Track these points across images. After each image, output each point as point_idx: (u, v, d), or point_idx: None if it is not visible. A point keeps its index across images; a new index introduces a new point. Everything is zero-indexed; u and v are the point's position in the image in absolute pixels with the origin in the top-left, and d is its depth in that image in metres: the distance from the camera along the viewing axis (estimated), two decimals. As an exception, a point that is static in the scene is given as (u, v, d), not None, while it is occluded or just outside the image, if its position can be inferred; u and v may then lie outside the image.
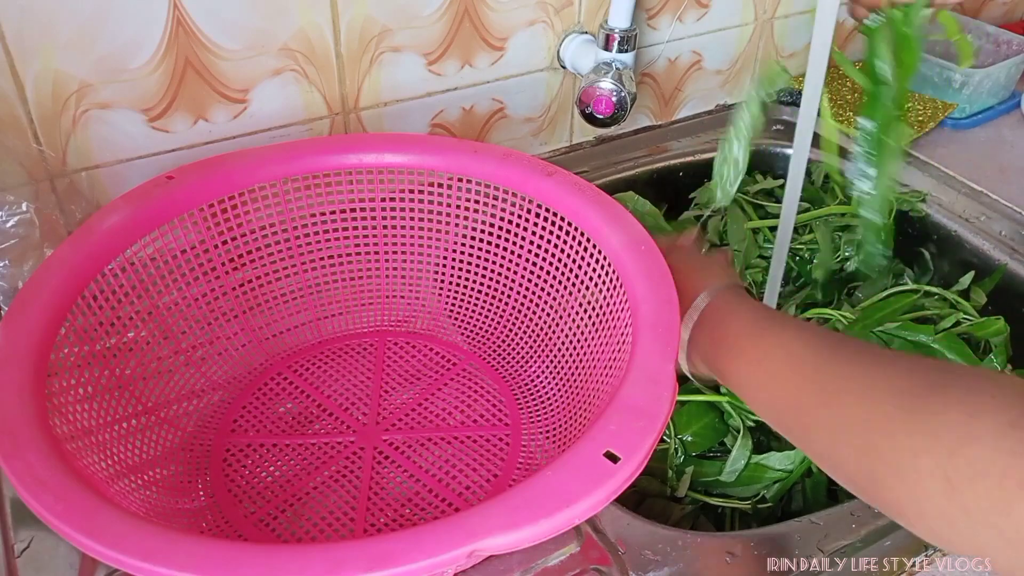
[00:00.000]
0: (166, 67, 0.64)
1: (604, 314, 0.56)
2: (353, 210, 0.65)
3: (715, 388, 0.64)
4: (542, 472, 0.39)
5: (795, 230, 0.76)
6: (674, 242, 0.60)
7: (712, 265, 0.55)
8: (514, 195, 0.62)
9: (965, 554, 0.34)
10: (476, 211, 0.64)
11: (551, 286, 0.63)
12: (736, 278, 0.54)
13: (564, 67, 0.82)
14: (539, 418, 0.60)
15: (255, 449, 0.57)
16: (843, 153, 0.69)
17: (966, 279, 0.76)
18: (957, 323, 0.69)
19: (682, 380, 0.63)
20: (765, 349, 0.44)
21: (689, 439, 0.60)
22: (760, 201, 0.80)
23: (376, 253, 0.67)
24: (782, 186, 0.80)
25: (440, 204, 0.65)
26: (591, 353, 0.57)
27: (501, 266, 0.65)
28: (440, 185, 0.64)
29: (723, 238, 0.77)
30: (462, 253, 0.66)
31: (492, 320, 0.67)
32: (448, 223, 0.66)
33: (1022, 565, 0.31)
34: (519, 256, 0.64)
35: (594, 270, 0.58)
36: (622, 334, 0.52)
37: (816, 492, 0.60)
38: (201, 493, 0.54)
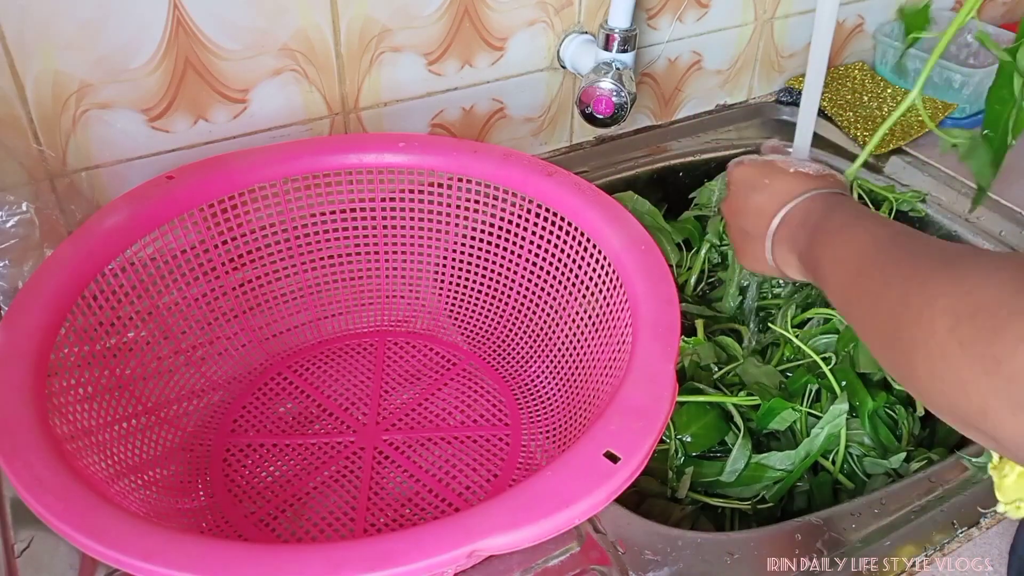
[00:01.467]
0: (166, 67, 0.64)
1: (604, 314, 0.56)
2: (353, 210, 0.65)
3: (715, 387, 0.64)
4: (542, 472, 0.39)
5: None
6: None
7: (821, 177, 0.55)
8: (514, 195, 0.62)
9: (952, 400, 0.35)
10: (476, 211, 0.64)
11: (551, 286, 0.63)
12: (844, 187, 0.55)
13: (564, 67, 0.82)
14: (539, 418, 0.60)
15: (255, 449, 0.57)
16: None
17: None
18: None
19: (682, 380, 0.63)
20: (851, 236, 0.46)
21: (689, 439, 0.60)
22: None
23: (376, 253, 0.67)
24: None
25: (440, 204, 0.65)
26: (591, 353, 0.57)
27: (501, 266, 0.65)
28: (440, 185, 0.64)
29: (723, 238, 0.77)
30: (462, 253, 0.66)
31: (492, 320, 0.67)
32: (448, 223, 0.66)
33: (996, 395, 0.32)
34: (519, 256, 0.64)
35: (594, 270, 0.58)
36: (622, 334, 0.52)
37: (822, 492, 0.60)
38: (201, 493, 0.54)
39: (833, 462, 0.60)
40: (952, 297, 0.35)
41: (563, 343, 0.61)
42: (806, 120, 0.61)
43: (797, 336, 0.66)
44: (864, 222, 0.47)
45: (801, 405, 0.62)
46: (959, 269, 0.36)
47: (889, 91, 0.97)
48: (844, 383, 0.62)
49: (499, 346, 0.66)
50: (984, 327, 0.32)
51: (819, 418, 0.61)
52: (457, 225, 0.65)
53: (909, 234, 0.43)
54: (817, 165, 0.57)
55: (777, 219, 0.53)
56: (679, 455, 0.60)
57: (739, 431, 0.60)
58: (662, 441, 0.60)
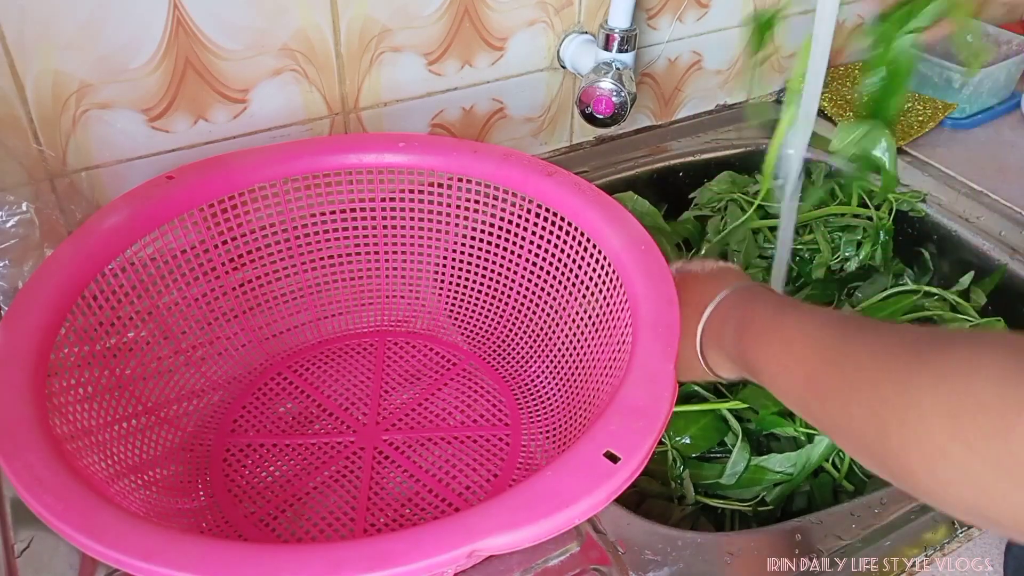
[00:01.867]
0: (166, 67, 0.64)
1: (604, 314, 0.56)
2: (353, 210, 0.65)
3: (715, 390, 0.64)
4: (542, 472, 0.39)
5: (795, 230, 0.76)
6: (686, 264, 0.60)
7: (728, 271, 0.56)
8: (514, 195, 0.62)
9: (962, 500, 0.34)
10: (476, 211, 0.64)
11: (551, 286, 0.63)
12: (751, 281, 0.54)
13: (564, 67, 0.82)
14: (539, 418, 0.60)
15: (255, 449, 0.57)
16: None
17: (966, 279, 0.76)
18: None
19: (682, 382, 0.63)
20: (785, 335, 0.45)
21: (688, 441, 0.60)
22: (760, 201, 0.80)
23: (376, 253, 0.67)
24: (782, 186, 0.80)
25: (440, 204, 0.65)
26: (591, 353, 0.57)
27: (501, 266, 0.65)
28: (440, 185, 0.64)
29: (723, 238, 0.77)
30: (462, 253, 0.66)
31: (492, 320, 0.67)
32: (448, 223, 0.66)
33: (1015, 493, 0.31)
34: (519, 256, 0.64)
35: (594, 270, 0.58)
36: (622, 334, 0.52)
37: (822, 493, 0.60)
38: (201, 493, 0.54)
39: (834, 464, 0.60)
40: (940, 395, 0.33)
41: (563, 343, 0.61)
42: (806, 120, 0.61)
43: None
44: (789, 316, 0.45)
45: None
46: (935, 365, 0.34)
47: (889, 91, 0.97)
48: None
49: (499, 346, 0.66)
50: (992, 427, 0.31)
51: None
52: (457, 225, 0.65)
53: (848, 324, 0.42)
54: (714, 264, 0.56)
55: (700, 327, 0.52)
56: (678, 464, 0.60)
57: (737, 435, 0.60)
58: (661, 443, 0.60)
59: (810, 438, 0.61)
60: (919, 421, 0.34)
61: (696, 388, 0.62)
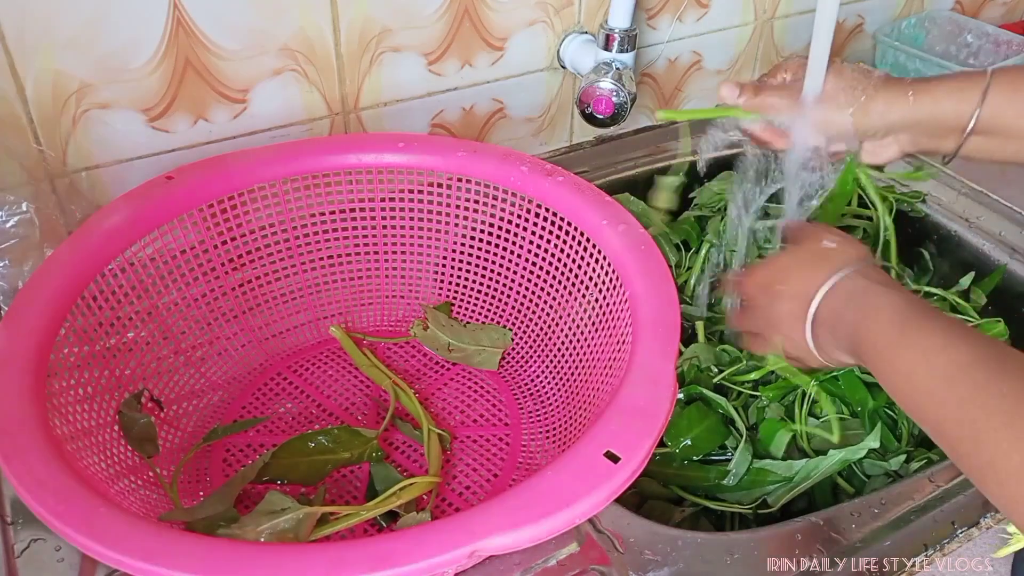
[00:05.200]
0: (166, 67, 0.64)
1: (604, 314, 0.56)
2: (353, 210, 0.65)
3: (716, 390, 0.64)
4: (542, 472, 0.39)
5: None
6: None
7: (843, 243, 0.54)
8: (514, 195, 0.62)
9: None
10: (476, 211, 0.64)
11: (551, 286, 0.63)
12: (868, 255, 0.53)
13: (564, 67, 0.82)
14: (539, 418, 0.60)
15: (255, 449, 0.57)
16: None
17: (966, 280, 0.76)
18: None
19: (682, 384, 0.63)
20: (910, 361, 0.44)
21: (689, 443, 0.59)
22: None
23: (376, 253, 0.67)
24: (781, 188, 0.80)
25: (440, 204, 0.65)
26: (591, 353, 0.57)
27: (501, 266, 0.65)
28: (440, 185, 0.64)
29: (723, 239, 0.77)
30: (462, 253, 0.66)
31: (492, 320, 0.66)
32: (448, 223, 0.66)
33: None
34: (519, 256, 0.64)
35: (594, 270, 0.58)
36: (622, 334, 0.52)
37: (822, 493, 0.60)
38: (201, 493, 0.54)
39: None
40: None
41: (563, 343, 0.61)
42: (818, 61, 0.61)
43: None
44: (928, 324, 0.45)
45: (801, 407, 0.62)
46: None
47: (889, 91, 0.97)
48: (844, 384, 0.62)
49: (499, 346, 0.66)
50: None
51: (817, 417, 0.61)
52: (457, 225, 0.65)
53: (976, 365, 0.42)
54: (833, 237, 0.54)
55: (810, 315, 0.51)
56: (678, 458, 0.60)
57: (740, 436, 0.59)
58: (662, 443, 0.60)
59: (808, 440, 0.61)
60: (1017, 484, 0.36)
61: (700, 389, 0.62)
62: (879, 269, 0.51)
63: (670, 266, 0.54)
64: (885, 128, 0.58)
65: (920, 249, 0.82)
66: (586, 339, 0.58)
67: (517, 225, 0.63)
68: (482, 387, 0.63)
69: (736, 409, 0.61)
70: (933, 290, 0.73)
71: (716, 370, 0.65)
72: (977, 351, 0.42)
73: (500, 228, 0.64)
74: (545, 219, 0.61)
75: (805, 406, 0.62)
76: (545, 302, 0.63)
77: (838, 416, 0.60)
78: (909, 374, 0.44)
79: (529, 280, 0.64)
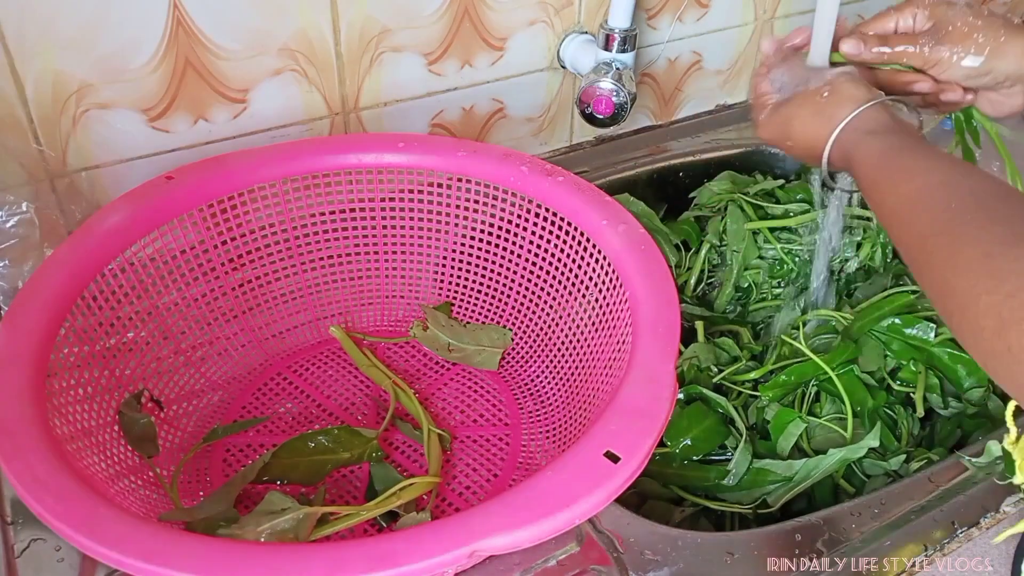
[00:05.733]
0: (166, 67, 0.64)
1: (604, 314, 0.56)
2: (353, 210, 0.65)
3: (715, 390, 0.64)
4: (542, 472, 0.40)
5: (795, 231, 0.76)
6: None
7: (850, 84, 0.55)
8: (514, 195, 0.62)
9: (1007, 389, 0.37)
10: (476, 211, 0.64)
11: (551, 286, 0.63)
12: (876, 94, 0.54)
13: (564, 67, 0.82)
14: (539, 418, 0.60)
15: (255, 449, 0.57)
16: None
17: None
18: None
19: (682, 383, 0.63)
20: (907, 182, 0.45)
21: (689, 443, 0.60)
22: (760, 202, 0.80)
23: (376, 253, 0.67)
24: (782, 186, 0.80)
25: (440, 204, 0.65)
26: (591, 353, 0.57)
27: (501, 266, 0.65)
28: (440, 185, 0.64)
29: (722, 239, 0.77)
30: (462, 253, 0.66)
31: (492, 320, 0.66)
32: (448, 223, 0.66)
33: None
34: (519, 256, 0.64)
35: (594, 270, 0.58)
36: (622, 334, 0.52)
37: (822, 493, 0.60)
38: (201, 493, 0.54)
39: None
40: (996, 296, 0.35)
41: (563, 343, 0.61)
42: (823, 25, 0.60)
43: (795, 339, 0.66)
44: (924, 158, 0.46)
45: (800, 406, 0.62)
46: (998, 261, 0.36)
47: (889, 91, 0.97)
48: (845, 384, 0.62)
49: (499, 346, 0.66)
50: None
51: (818, 417, 0.61)
52: (457, 225, 0.65)
53: (976, 183, 0.42)
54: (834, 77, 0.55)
55: (847, 119, 0.52)
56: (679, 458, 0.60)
57: (740, 436, 0.59)
58: (662, 443, 0.60)
59: (810, 439, 0.61)
60: (974, 318, 0.36)
61: (700, 389, 0.62)
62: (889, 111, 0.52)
63: (670, 266, 0.54)
64: (1020, 74, 0.55)
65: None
66: (586, 339, 0.58)
67: (517, 225, 0.63)
68: (482, 387, 0.63)
69: (736, 409, 0.61)
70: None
71: (716, 370, 0.65)
72: (951, 175, 0.44)
73: (500, 228, 0.64)
74: (545, 219, 0.61)
75: (805, 405, 0.63)
76: (545, 302, 0.63)
77: (838, 416, 0.60)
78: (886, 194, 0.46)
79: (529, 280, 0.64)
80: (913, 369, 0.63)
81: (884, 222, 0.47)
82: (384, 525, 0.51)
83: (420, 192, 0.65)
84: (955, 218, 0.41)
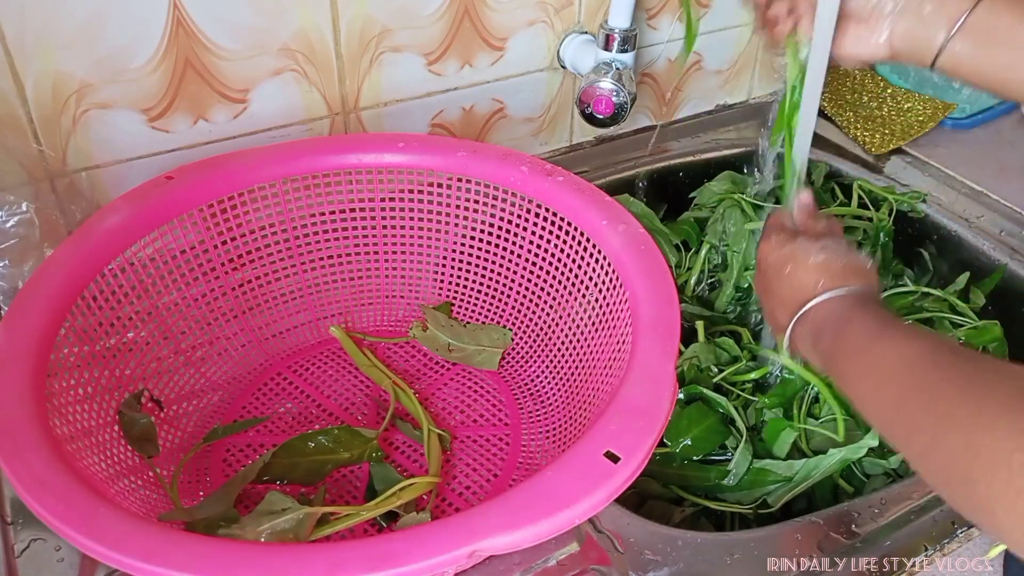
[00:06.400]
0: (166, 67, 0.64)
1: (604, 314, 0.56)
2: (353, 210, 0.65)
3: (715, 390, 0.64)
4: (542, 472, 0.40)
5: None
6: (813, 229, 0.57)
7: (855, 262, 0.53)
8: (514, 195, 0.62)
9: None
10: (476, 211, 0.64)
11: (551, 286, 0.63)
12: (875, 283, 0.52)
13: (564, 67, 0.82)
14: (539, 418, 0.60)
15: (255, 449, 0.57)
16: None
17: (962, 279, 0.76)
18: (954, 326, 0.69)
19: (682, 383, 0.63)
20: (879, 353, 0.44)
21: (689, 443, 0.60)
22: (760, 202, 0.80)
23: (376, 253, 0.67)
24: (782, 186, 0.80)
25: (440, 204, 0.65)
26: (591, 353, 0.57)
27: (501, 266, 0.65)
28: (440, 185, 0.64)
29: (722, 239, 0.77)
30: (462, 253, 0.66)
31: (492, 320, 0.67)
32: (448, 223, 0.66)
33: None
34: (519, 256, 0.64)
35: (594, 270, 0.58)
36: (622, 334, 0.52)
37: (822, 493, 0.60)
38: (201, 493, 0.54)
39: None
40: None
41: (563, 343, 0.61)
42: (807, 120, 0.61)
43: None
44: (890, 337, 0.44)
45: (800, 407, 0.62)
46: (1022, 415, 0.34)
47: (889, 91, 0.97)
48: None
49: (499, 346, 0.66)
50: None
51: (817, 419, 0.61)
52: (457, 225, 0.65)
53: (947, 353, 0.41)
54: (852, 257, 0.53)
55: (794, 319, 0.51)
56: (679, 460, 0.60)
57: (740, 436, 0.59)
58: (662, 443, 0.60)
59: (808, 440, 0.61)
60: (1007, 478, 0.33)
61: (700, 389, 0.62)
62: (872, 301, 0.50)
63: (670, 266, 0.54)
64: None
65: (920, 249, 0.82)
66: (586, 339, 0.58)
67: (517, 225, 0.63)
68: (482, 387, 0.63)
69: (736, 409, 0.61)
70: (932, 290, 0.73)
71: (716, 370, 0.65)
72: (924, 346, 0.42)
73: (500, 228, 0.64)
74: (545, 219, 0.61)
75: (804, 407, 0.63)
76: (545, 302, 0.63)
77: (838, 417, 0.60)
78: (861, 377, 0.44)
79: (529, 280, 0.64)
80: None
81: (866, 400, 0.44)
82: (384, 525, 0.51)
83: (420, 192, 0.65)
84: (956, 379, 0.39)
